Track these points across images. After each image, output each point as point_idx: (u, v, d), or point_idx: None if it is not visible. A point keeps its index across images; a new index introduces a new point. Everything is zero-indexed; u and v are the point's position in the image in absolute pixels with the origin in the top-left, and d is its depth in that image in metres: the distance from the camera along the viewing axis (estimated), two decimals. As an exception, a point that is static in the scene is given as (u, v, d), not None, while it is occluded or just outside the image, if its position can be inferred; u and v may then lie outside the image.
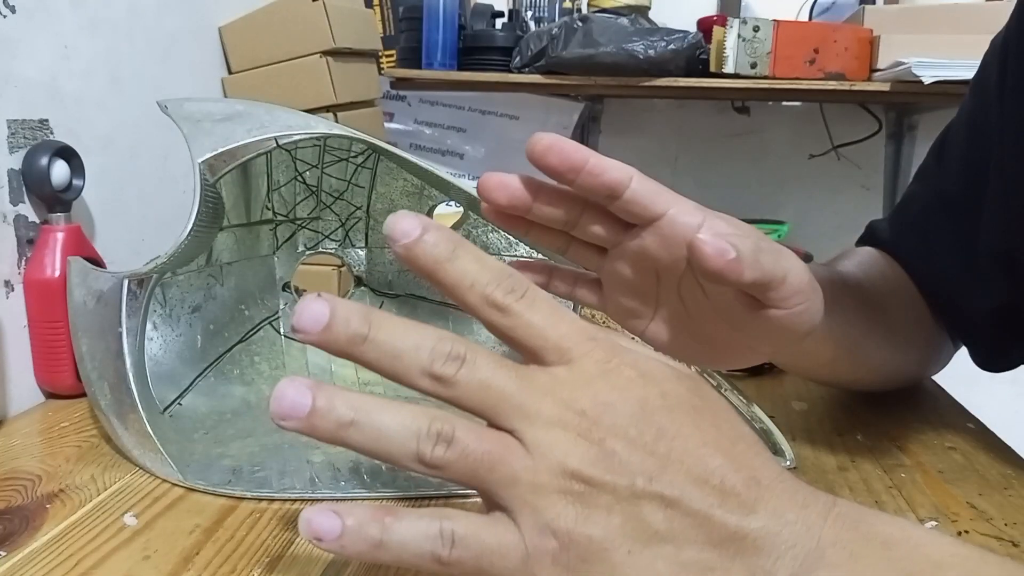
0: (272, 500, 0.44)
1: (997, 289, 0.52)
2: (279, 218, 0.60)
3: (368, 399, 0.27)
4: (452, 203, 0.60)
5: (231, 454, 0.49)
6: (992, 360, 0.56)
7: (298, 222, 0.61)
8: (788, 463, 0.49)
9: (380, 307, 0.62)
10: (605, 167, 0.34)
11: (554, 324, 0.28)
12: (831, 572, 0.26)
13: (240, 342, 0.58)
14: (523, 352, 0.28)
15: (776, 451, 0.49)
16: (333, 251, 0.63)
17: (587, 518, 0.26)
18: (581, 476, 0.26)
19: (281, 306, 0.61)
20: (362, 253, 0.63)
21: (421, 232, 0.27)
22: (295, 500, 0.44)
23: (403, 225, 0.27)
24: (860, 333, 0.50)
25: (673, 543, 0.26)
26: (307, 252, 0.62)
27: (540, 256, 0.55)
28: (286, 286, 0.61)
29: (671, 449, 0.27)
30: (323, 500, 0.44)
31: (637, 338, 0.40)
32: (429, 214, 0.60)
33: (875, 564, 0.27)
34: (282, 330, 0.60)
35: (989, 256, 0.52)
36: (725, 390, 0.51)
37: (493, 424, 0.27)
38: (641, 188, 0.35)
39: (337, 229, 0.62)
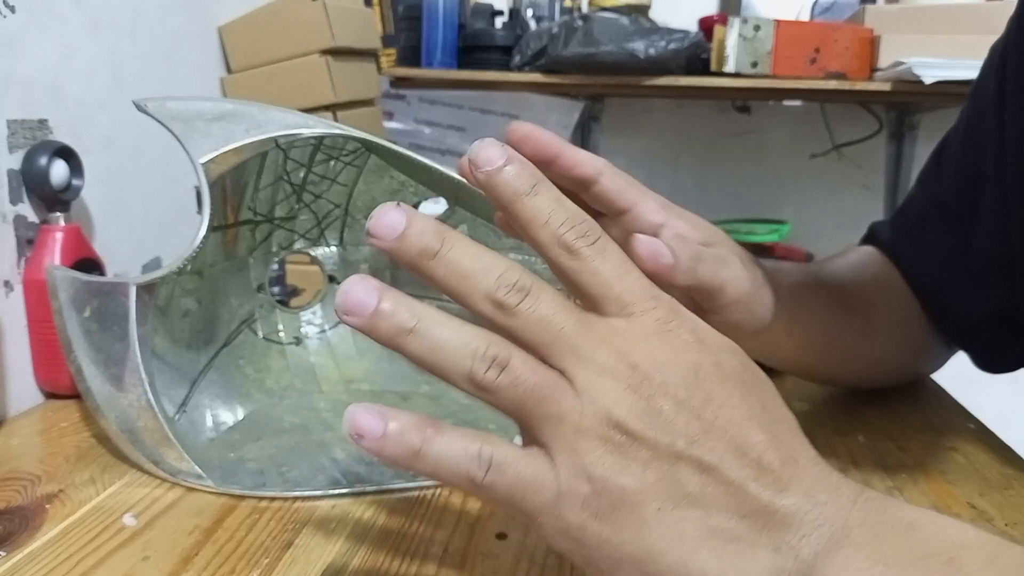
0: (308, 499, 0.44)
1: (996, 294, 0.52)
2: (258, 218, 0.59)
3: (432, 311, 0.27)
4: (438, 201, 0.59)
5: (251, 457, 0.48)
6: (991, 363, 0.56)
7: (276, 222, 0.60)
8: None
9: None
10: (578, 160, 0.37)
11: (620, 276, 0.28)
12: (856, 551, 0.26)
13: (224, 346, 0.57)
14: (584, 299, 0.28)
15: None
16: (305, 250, 0.62)
17: (623, 469, 0.26)
18: (624, 427, 0.26)
19: (257, 308, 0.59)
20: (335, 250, 0.62)
21: (504, 162, 0.27)
22: (337, 496, 0.45)
23: (488, 153, 0.27)
24: (830, 329, 0.51)
25: (704, 508, 0.26)
26: (281, 252, 0.61)
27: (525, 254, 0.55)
28: (260, 287, 0.60)
29: (716, 417, 0.27)
30: (366, 494, 0.45)
31: None
32: None
33: (899, 544, 0.27)
34: (260, 333, 0.59)
35: (987, 261, 0.52)
36: None
37: (545, 361, 0.27)
38: (610, 184, 0.38)
39: (313, 228, 0.61)
